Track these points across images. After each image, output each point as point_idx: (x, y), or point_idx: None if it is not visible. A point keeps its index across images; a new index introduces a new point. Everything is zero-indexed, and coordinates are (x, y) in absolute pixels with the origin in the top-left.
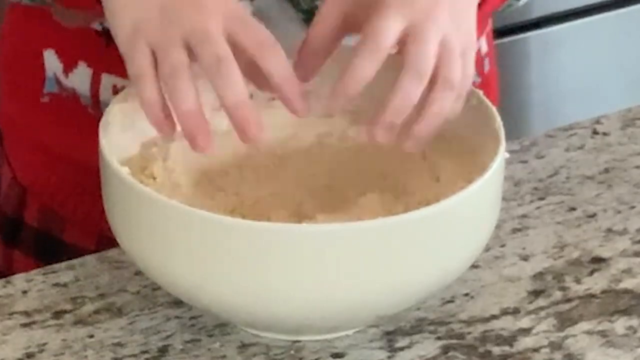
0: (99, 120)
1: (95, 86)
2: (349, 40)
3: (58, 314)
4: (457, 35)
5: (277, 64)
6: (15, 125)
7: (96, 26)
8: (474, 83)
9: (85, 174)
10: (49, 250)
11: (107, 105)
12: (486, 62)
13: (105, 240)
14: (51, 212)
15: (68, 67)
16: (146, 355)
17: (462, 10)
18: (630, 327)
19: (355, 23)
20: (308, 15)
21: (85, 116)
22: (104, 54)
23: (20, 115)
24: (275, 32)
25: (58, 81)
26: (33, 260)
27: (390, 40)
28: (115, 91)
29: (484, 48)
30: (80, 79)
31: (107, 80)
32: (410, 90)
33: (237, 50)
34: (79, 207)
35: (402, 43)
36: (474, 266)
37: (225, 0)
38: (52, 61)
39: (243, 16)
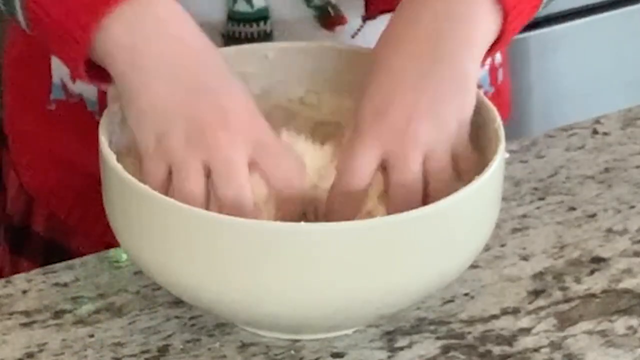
0: None
1: (102, 92)
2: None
3: (58, 314)
4: (442, 140)
5: (291, 203)
6: (21, 132)
7: None
8: (486, 94)
9: (92, 181)
10: (55, 258)
11: None
12: (500, 72)
13: (111, 248)
14: (58, 220)
15: None
16: (146, 355)
17: (446, 99)
18: (630, 327)
19: None
20: (320, 12)
21: (92, 123)
22: None
23: (26, 122)
24: (287, 30)
25: (65, 87)
26: (39, 267)
27: (366, 182)
28: None
29: (498, 58)
30: (87, 84)
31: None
32: (401, 209)
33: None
34: (85, 214)
35: (384, 167)
36: (474, 266)
37: (252, 120)
38: (59, 67)
39: (273, 144)
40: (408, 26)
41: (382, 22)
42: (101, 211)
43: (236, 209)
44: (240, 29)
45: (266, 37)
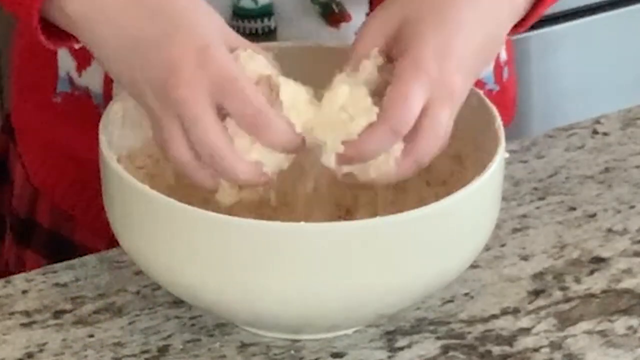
0: None
1: (107, 84)
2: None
3: (58, 314)
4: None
5: (279, 134)
6: (28, 125)
7: None
8: (491, 92)
9: (97, 175)
10: (60, 250)
11: None
12: (505, 70)
13: (115, 241)
14: (62, 213)
15: (81, 65)
16: (146, 355)
17: (484, 68)
18: (630, 327)
19: (390, 55)
20: (325, 9)
21: (97, 116)
22: None
23: (33, 115)
24: (291, 24)
25: (71, 80)
26: (44, 260)
27: (413, 119)
28: None
29: (503, 56)
30: (93, 77)
31: None
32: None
33: None
34: (89, 208)
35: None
36: (474, 266)
37: (206, 62)
38: (65, 60)
39: (230, 82)
40: None
41: None
42: None
43: (217, 163)
44: (245, 24)
45: (270, 33)
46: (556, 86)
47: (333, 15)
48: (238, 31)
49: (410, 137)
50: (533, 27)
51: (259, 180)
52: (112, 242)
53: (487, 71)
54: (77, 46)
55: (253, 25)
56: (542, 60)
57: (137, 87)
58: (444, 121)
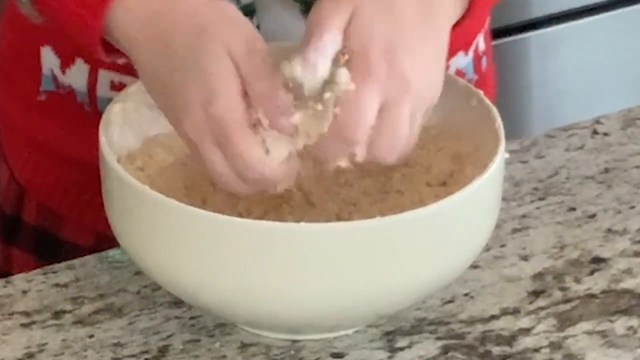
0: (95, 118)
1: (92, 82)
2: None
3: (58, 314)
4: (424, 102)
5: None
6: (12, 123)
7: None
8: (470, 82)
9: (83, 172)
10: (47, 248)
11: (104, 101)
12: (484, 60)
13: (103, 238)
14: (49, 210)
15: (65, 64)
16: (146, 355)
17: (435, 68)
18: (630, 327)
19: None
20: (307, 7)
21: (82, 114)
22: None
23: (17, 113)
24: (274, 22)
25: (55, 78)
26: (32, 258)
27: (367, 125)
28: (113, 86)
29: (482, 46)
30: (77, 75)
31: (104, 76)
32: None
33: None
34: (76, 205)
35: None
36: (474, 266)
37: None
38: (49, 58)
39: (226, 128)
40: None
41: None
42: (92, 201)
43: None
44: None
45: None
46: (556, 86)
47: None
48: None
49: (371, 138)
50: (533, 28)
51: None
52: (98, 238)
53: (467, 61)
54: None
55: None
56: (542, 61)
57: (176, 102)
58: (401, 118)
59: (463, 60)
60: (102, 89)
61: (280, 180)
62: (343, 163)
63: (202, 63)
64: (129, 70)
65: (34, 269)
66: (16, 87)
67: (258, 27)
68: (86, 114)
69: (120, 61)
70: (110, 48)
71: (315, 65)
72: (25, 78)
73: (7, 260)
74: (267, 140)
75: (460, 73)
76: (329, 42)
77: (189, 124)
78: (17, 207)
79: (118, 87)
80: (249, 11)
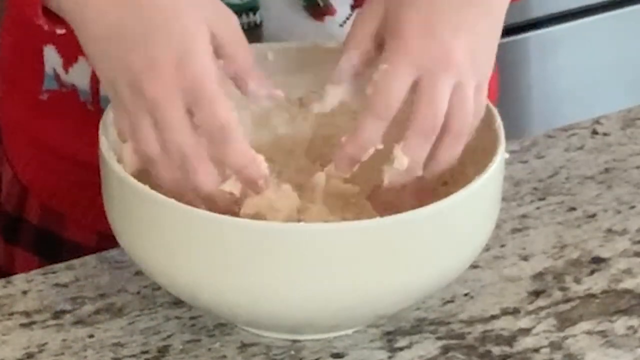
0: (98, 117)
1: (94, 81)
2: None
3: (58, 314)
4: (473, 74)
5: (235, 154)
6: (14, 122)
7: None
8: None
9: (85, 171)
10: (49, 247)
11: (106, 100)
12: None
13: (105, 237)
14: (51, 210)
15: (68, 63)
16: (146, 355)
17: (483, 42)
18: (630, 327)
19: (382, 44)
20: (309, 3)
21: (84, 113)
22: None
23: (19, 112)
24: (276, 19)
25: (57, 77)
26: (34, 257)
27: (398, 101)
28: None
29: None
30: (80, 74)
31: None
32: (421, 144)
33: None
34: (78, 204)
35: (414, 87)
36: (474, 266)
37: (181, 66)
38: (52, 57)
39: (201, 85)
40: None
41: None
42: (93, 200)
43: (182, 165)
44: None
45: (256, 27)
46: (556, 86)
47: (317, 9)
48: None
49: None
50: (533, 28)
51: (217, 191)
52: (101, 238)
53: None
54: (60, 32)
55: (238, 20)
56: (541, 61)
57: (112, 78)
58: (438, 92)
59: None
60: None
61: (205, 185)
62: (378, 145)
63: (177, 22)
64: None
65: (36, 269)
66: (19, 87)
67: (260, 24)
68: (89, 113)
69: (60, 31)
70: (53, 17)
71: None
72: (28, 77)
73: (10, 260)
74: None
75: None
76: (360, 135)
77: (158, 83)
78: (20, 207)
79: None
80: (251, 8)
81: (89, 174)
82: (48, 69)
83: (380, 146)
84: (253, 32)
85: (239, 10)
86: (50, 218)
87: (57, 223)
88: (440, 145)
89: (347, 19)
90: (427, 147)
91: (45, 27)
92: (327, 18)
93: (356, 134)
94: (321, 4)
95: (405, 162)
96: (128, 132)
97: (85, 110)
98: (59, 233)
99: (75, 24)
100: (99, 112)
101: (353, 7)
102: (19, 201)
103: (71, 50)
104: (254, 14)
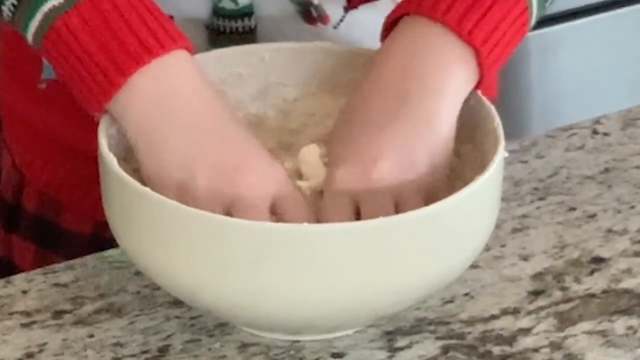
0: None
1: None
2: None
3: (58, 314)
4: (411, 178)
5: None
6: (13, 111)
7: None
8: None
9: (82, 161)
10: (46, 235)
11: None
12: None
13: (101, 226)
14: (48, 198)
15: None
16: (146, 355)
17: (414, 140)
18: (630, 327)
19: None
20: (303, 7)
21: None
22: None
23: (18, 101)
24: (271, 24)
25: None
26: (31, 245)
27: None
28: None
29: None
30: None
31: None
32: None
33: None
34: (75, 193)
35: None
36: (474, 266)
37: (271, 166)
38: None
39: (289, 190)
40: (380, 71)
41: (363, 11)
42: (90, 188)
43: None
44: (225, 24)
45: (251, 32)
46: (556, 86)
47: (311, 17)
48: (218, 30)
49: None
50: (533, 27)
51: None
52: (98, 226)
53: None
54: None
55: (233, 24)
56: (541, 61)
57: (190, 166)
58: (380, 211)
59: None
60: None
61: None
62: None
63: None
64: None
65: (35, 258)
66: (18, 75)
67: (255, 28)
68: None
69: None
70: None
71: None
72: (27, 66)
73: (8, 248)
74: None
75: None
76: None
77: (249, 181)
78: (18, 195)
79: None
80: (246, 12)
81: (85, 163)
82: None
83: None
84: (247, 37)
85: (233, 15)
86: (47, 206)
87: (53, 211)
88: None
89: (341, 21)
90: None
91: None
92: (320, 24)
93: None
94: (315, 13)
95: None
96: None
97: None
98: (55, 221)
99: (153, 133)
100: None
101: (346, 9)
102: (17, 189)
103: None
104: (249, 18)
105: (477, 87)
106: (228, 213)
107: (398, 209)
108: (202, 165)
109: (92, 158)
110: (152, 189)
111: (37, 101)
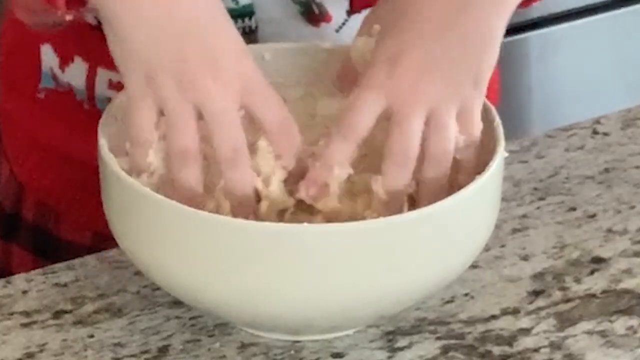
0: (94, 116)
1: (90, 81)
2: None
3: (58, 314)
4: (451, 99)
5: (291, 149)
6: (12, 120)
7: (91, 21)
8: None
9: (81, 170)
10: (45, 245)
11: (102, 100)
12: None
13: (100, 236)
14: (47, 208)
15: (64, 62)
16: (146, 355)
17: (460, 65)
18: (630, 327)
19: None
20: (305, 8)
21: (81, 112)
22: (100, 48)
23: (16, 110)
24: (272, 23)
25: (54, 76)
26: (30, 255)
27: (364, 125)
28: (111, 85)
29: None
30: (76, 73)
31: (103, 75)
32: (396, 176)
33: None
34: (74, 203)
35: (387, 119)
36: (474, 266)
37: (242, 64)
38: (48, 56)
39: (261, 87)
40: None
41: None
42: (90, 199)
43: (232, 159)
44: None
45: (251, 32)
46: (556, 86)
47: (313, 15)
48: None
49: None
50: (533, 28)
51: (246, 204)
52: (96, 237)
53: None
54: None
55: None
56: (541, 61)
57: (154, 65)
58: (409, 125)
59: None
60: (101, 88)
61: (242, 190)
62: (346, 168)
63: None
64: None
65: (33, 267)
66: (17, 84)
67: (256, 28)
68: (85, 112)
69: (69, 17)
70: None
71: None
72: (26, 75)
73: (7, 258)
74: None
75: None
76: (326, 154)
77: (217, 76)
78: (17, 204)
79: (117, 86)
80: (247, 12)
81: (84, 173)
82: (45, 67)
83: (350, 170)
84: (249, 37)
85: (234, 15)
86: (45, 216)
87: (52, 222)
88: (423, 171)
89: (343, 24)
90: (405, 177)
91: (67, 16)
92: (323, 24)
93: (322, 153)
94: (317, 11)
95: (384, 195)
96: (153, 124)
97: (81, 109)
98: (53, 231)
99: (117, 5)
100: (96, 111)
101: (349, 13)
102: (16, 198)
103: (67, 50)
104: (250, 18)
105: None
106: (200, 115)
107: (427, 126)
108: (166, 63)
109: (92, 168)
110: (121, 75)
111: (35, 110)
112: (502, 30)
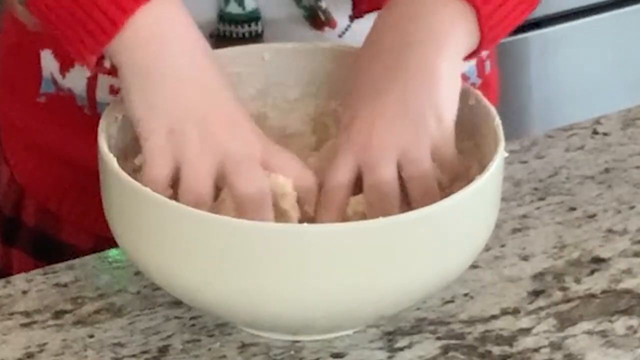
0: (94, 121)
1: (91, 86)
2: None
3: (58, 314)
4: (416, 136)
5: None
6: (12, 125)
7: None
8: (474, 85)
9: (81, 174)
10: (46, 249)
11: (103, 105)
12: (487, 63)
13: (102, 240)
14: (47, 212)
15: (64, 67)
16: (146, 355)
17: (412, 104)
18: (630, 327)
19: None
20: (310, 12)
21: (81, 117)
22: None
23: (17, 115)
24: (278, 28)
25: (54, 81)
26: (31, 259)
27: (341, 195)
28: (112, 91)
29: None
30: (76, 79)
31: (104, 81)
32: (379, 212)
33: None
34: (75, 207)
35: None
36: (474, 266)
37: (256, 128)
38: (49, 61)
39: (274, 144)
40: (377, 35)
41: (369, 20)
42: (91, 203)
43: (257, 205)
44: (231, 29)
45: (257, 37)
46: (556, 86)
47: (318, 21)
48: (224, 35)
49: None
50: (533, 27)
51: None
52: (97, 240)
53: (470, 65)
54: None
55: (240, 29)
56: (542, 61)
57: (183, 116)
58: (381, 172)
59: (466, 64)
60: (102, 93)
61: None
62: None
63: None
64: None
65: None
66: (17, 89)
67: (261, 33)
68: (86, 117)
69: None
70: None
71: None
72: (26, 80)
73: (7, 262)
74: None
75: (463, 77)
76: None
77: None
78: (17, 208)
79: (117, 92)
80: (253, 17)
81: (85, 177)
82: (45, 72)
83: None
84: (254, 42)
85: (241, 20)
86: (46, 220)
87: (52, 225)
88: (411, 193)
89: (346, 29)
90: (392, 207)
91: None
92: (327, 28)
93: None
94: (322, 17)
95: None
96: (167, 181)
97: (82, 114)
98: (54, 235)
99: (150, 75)
100: (96, 116)
101: (352, 18)
102: (17, 203)
103: (68, 55)
104: (256, 23)
105: (477, 50)
106: (220, 168)
107: (404, 170)
108: (194, 115)
109: (92, 172)
110: (141, 131)
111: (36, 115)
112: (450, 70)
